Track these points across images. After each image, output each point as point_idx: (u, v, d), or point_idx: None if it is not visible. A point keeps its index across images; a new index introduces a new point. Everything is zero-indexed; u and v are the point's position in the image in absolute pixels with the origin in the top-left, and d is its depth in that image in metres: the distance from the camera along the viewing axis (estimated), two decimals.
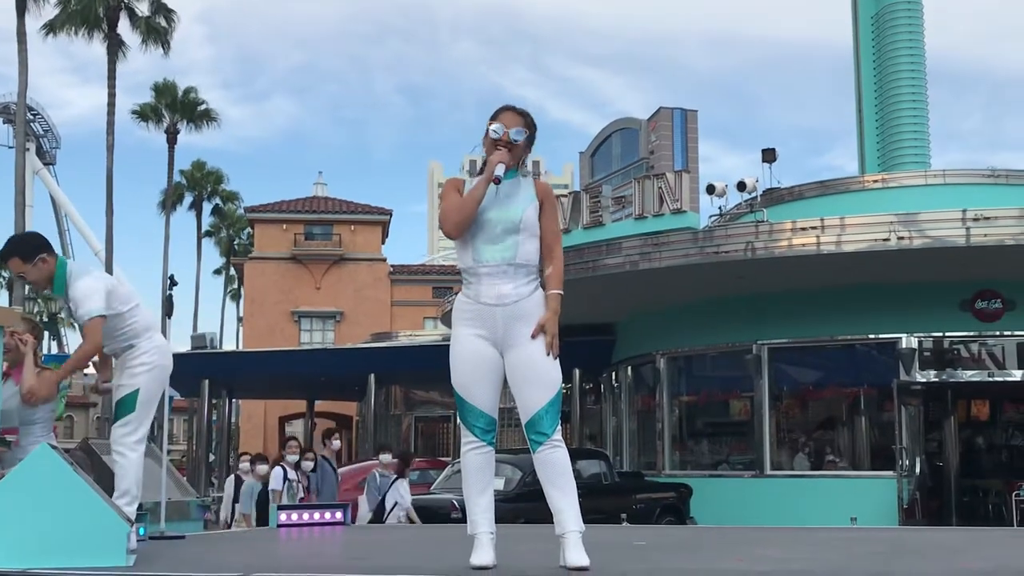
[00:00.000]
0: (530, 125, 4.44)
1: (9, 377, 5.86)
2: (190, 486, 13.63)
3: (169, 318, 32.05)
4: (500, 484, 11.52)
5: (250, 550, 6.07)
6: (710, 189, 18.35)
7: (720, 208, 18.64)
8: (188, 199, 52.14)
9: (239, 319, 54.26)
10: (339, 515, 7.98)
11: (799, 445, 17.92)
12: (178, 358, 6.43)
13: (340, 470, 14.26)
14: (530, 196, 4.41)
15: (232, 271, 56.77)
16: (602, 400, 23.48)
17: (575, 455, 4.08)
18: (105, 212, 33.62)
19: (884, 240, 14.69)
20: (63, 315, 49.84)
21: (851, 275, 16.09)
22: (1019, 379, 16.66)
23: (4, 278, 56.41)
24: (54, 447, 4.73)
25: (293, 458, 11.80)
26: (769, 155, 19.98)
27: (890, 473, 16.36)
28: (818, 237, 15.06)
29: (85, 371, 6.64)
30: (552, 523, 4.30)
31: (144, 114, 43.08)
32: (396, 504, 11.78)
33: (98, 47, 34.64)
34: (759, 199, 18.66)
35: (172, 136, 43.05)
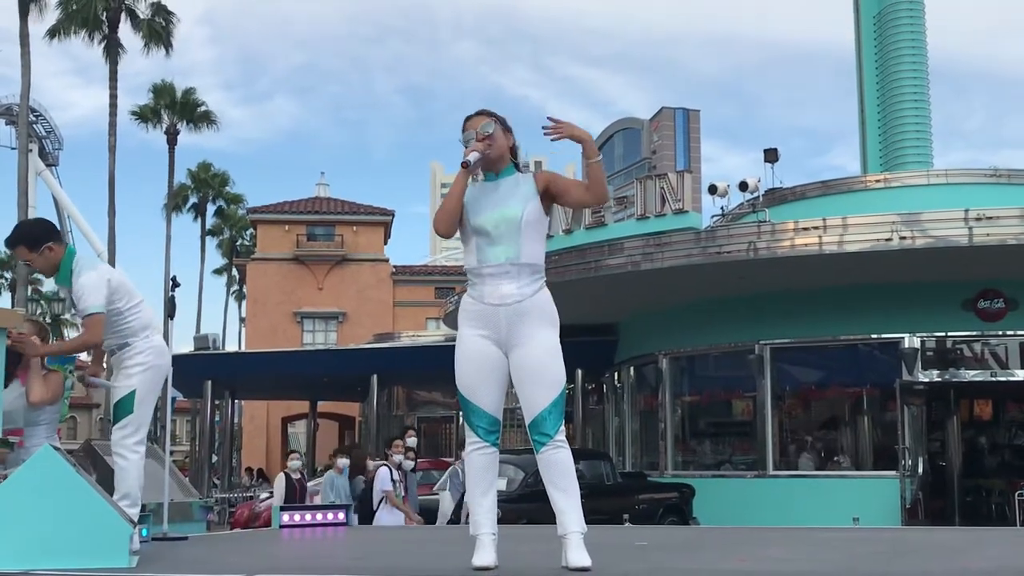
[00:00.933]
0: (492, 114, 4.47)
1: (15, 379, 5.83)
2: (193, 487, 13.64)
3: (172, 319, 31.94)
4: (503, 484, 11.50)
5: (252, 551, 6.07)
6: (712, 189, 18.35)
7: (722, 208, 18.64)
8: (191, 201, 52.13)
9: (241, 320, 54.26)
10: (341, 516, 8.00)
11: (802, 445, 17.90)
12: (181, 359, 6.44)
13: None
14: (530, 193, 4.39)
15: (234, 272, 56.76)
16: (604, 400, 23.47)
17: (577, 455, 4.10)
18: (107, 213, 33.72)
19: (886, 240, 14.66)
20: (66, 316, 49.76)
21: (853, 275, 16.08)
22: (1022, 379, 16.64)
23: (6, 279, 56.44)
24: (57, 449, 4.73)
25: (399, 458, 11.51)
26: (771, 155, 19.98)
27: (893, 473, 16.34)
28: (820, 237, 15.04)
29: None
30: (555, 524, 4.30)
31: (143, 115, 42.97)
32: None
33: (99, 49, 34.72)
34: (761, 199, 18.66)
35: (172, 137, 42.93)
